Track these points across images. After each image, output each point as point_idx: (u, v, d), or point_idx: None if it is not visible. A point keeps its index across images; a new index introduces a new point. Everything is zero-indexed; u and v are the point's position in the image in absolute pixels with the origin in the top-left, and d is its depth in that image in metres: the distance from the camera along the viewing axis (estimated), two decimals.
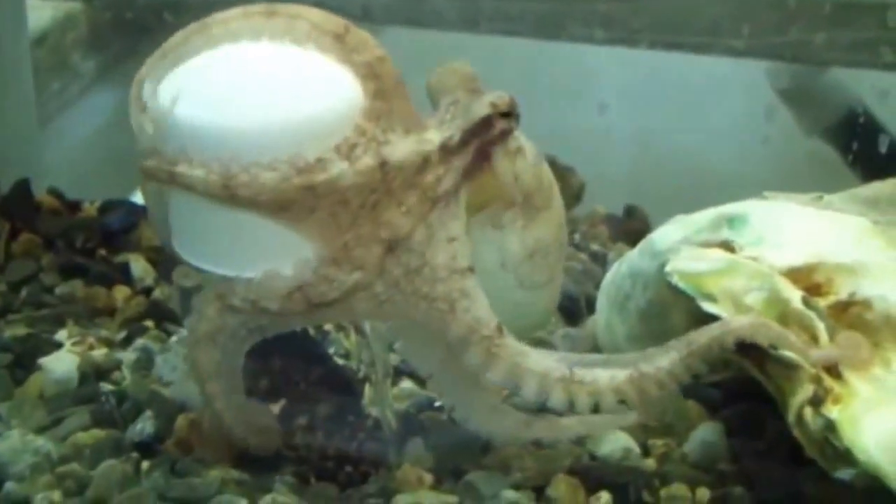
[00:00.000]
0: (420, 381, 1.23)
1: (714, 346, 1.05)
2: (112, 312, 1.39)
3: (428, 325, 1.04)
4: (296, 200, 1.00)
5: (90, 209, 1.58)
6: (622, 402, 1.04)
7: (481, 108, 1.04)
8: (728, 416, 1.20)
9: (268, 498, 1.07)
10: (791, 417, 1.06)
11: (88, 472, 1.11)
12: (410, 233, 1.02)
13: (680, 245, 1.19)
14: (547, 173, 1.10)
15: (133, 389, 1.22)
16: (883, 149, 1.68)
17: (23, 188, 1.57)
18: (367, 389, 1.19)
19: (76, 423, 1.18)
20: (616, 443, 1.16)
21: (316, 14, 1.02)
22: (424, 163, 1.02)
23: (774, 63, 1.76)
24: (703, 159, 1.84)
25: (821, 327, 1.09)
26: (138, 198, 1.55)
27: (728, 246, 1.18)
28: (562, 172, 1.62)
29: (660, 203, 1.55)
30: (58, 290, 1.43)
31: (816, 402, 1.05)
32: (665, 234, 1.23)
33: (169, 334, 1.33)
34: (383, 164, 1.01)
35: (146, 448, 1.15)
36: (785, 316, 1.10)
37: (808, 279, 1.14)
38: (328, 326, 1.29)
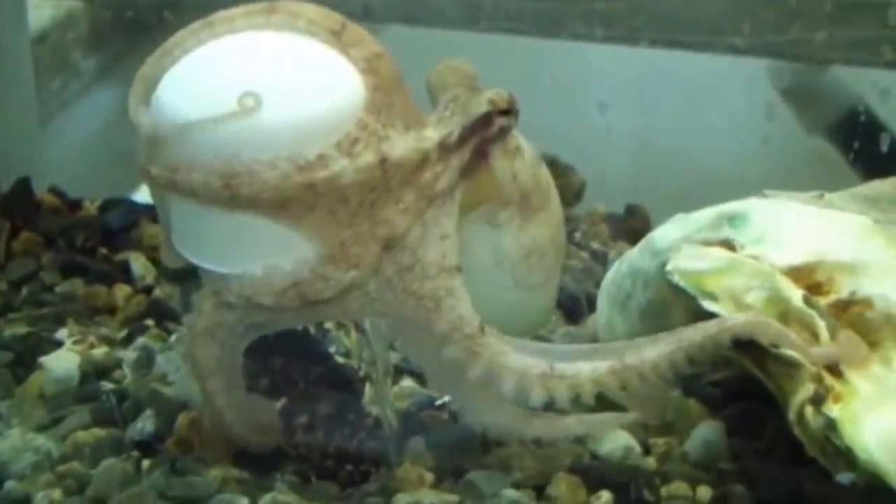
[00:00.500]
0: (421, 380, 1.23)
1: (709, 344, 1.05)
2: (112, 311, 1.39)
3: (414, 321, 1.04)
4: (296, 198, 1.00)
5: (91, 207, 1.58)
6: (601, 393, 1.04)
7: (480, 105, 1.04)
8: (729, 415, 1.20)
9: (268, 497, 1.07)
10: (792, 416, 1.06)
11: (89, 471, 1.11)
12: (407, 231, 1.02)
13: (680, 244, 1.19)
14: (545, 175, 1.09)
15: (133, 388, 1.22)
16: (884, 147, 1.68)
17: (23, 186, 1.56)
18: (368, 388, 1.19)
19: (76, 421, 1.18)
20: (617, 441, 1.16)
21: (314, 11, 1.02)
22: (423, 160, 1.02)
23: (775, 61, 1.76)
24: (703, 158, 1.84)
25: (822, 326, 1.09)
26: (139, 196, 1.56)
27: (729, 244, 1.18)
28: (562, 171, 1.62)
29: (660, 202, 1.55)
30: (58, 289, 1.42)
31: (817, 400, 1.05)
32: (665, 233, 1.23)
33: (169, 333, 1.33)
34: (383, 162, 1.01)
35: (146, 447, 1.15)
36: (786, 314, 1.10)
37: (809, 278, 1.14)
38: (328, 325, 1.29)
